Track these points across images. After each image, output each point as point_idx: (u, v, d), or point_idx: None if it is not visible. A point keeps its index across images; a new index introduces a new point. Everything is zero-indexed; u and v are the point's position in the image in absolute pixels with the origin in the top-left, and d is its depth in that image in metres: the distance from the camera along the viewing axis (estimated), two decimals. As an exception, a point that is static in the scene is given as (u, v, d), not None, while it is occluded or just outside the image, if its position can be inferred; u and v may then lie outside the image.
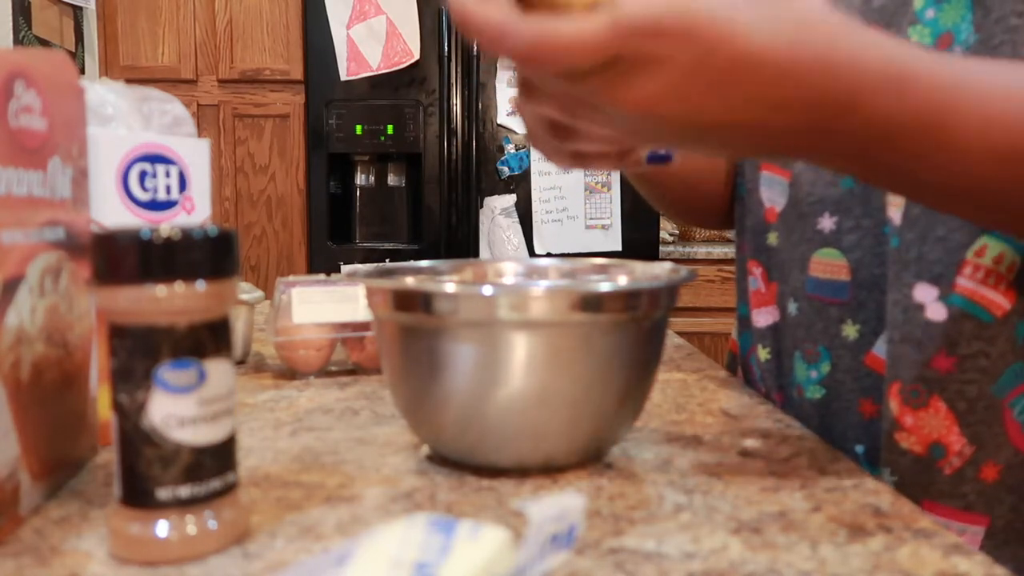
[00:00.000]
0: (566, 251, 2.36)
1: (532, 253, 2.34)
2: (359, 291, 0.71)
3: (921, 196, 0.46)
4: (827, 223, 0.61)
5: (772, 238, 0.68)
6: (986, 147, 0.40)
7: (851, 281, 0.60)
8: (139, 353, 0.36)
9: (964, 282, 0.53)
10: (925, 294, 0.54)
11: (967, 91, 0.41)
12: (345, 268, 0.72)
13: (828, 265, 0.61)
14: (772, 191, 0.68)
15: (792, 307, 0.65)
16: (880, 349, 0.59)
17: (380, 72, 2.33)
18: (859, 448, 0.60)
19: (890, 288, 0.56)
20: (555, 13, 0.37)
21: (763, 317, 0.69)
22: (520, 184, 2.38)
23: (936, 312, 0.54)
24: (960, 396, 0.53)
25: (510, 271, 0.62)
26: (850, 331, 0.60)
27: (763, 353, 0.69)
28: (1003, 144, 0.40)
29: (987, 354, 0.52)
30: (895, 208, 0.56)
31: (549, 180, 2.36)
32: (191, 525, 0.37)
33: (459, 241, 2.38)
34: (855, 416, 0.60)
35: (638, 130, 0.41)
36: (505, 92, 2.37)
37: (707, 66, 0.36)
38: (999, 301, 0.52)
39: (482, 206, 2.38)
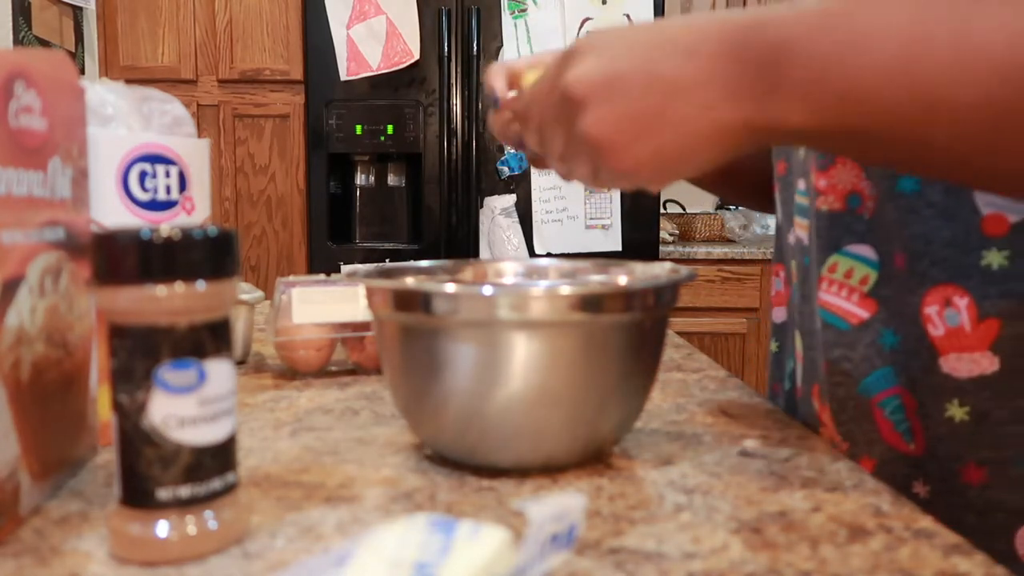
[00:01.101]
0: (566, 251, 2.36)
1: (532, 253, 2.34)
2: (359, 291, 0.71)
3: (868, 149, 0.44)
4: (791, 237, 0.68)
5: (792, 243, 0.72)
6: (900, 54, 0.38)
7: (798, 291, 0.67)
8: (139, 353, 0.36)
9: (823, 296, 0.58)
10: (815, 306, 0.60)
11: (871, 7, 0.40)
12: (345, 268, 0.72)
13: (793, 274, 0.68)
14: None
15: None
16: (793, 355, 0.65)
17: (380, 72, 2.33)
18: None
19: (805, 301, 0.62)
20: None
21: (778, 314, 0.74)
22: (520, 184, 2.38)
23: (817, 322, 0.59)
24: (834, 397, 0.58)
25: (510, 271, 0.62)
26: (797, 337, 0.67)
27: (773, 346, 0.75)
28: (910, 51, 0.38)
29: (849, 359, 0.57)
30: (801, 229, 0.63)
31: (549, 180, 2.36)
32: (191, 525, 0.37)
33: (459, 241, 2.38)
34: (809, 408, 0.64)
35: (598, 121, 0.44)
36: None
37: (623, 31, 0.44)
38: (854, 311, 0.56)
39: (482, 206, 2.38)
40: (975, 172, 0.42)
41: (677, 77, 0.41)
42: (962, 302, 0.51)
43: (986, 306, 0.50)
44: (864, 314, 0.56)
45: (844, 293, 0.57)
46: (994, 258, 0.50)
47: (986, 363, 0.51)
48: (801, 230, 0.62)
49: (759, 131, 0.42)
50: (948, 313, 0.51)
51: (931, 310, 0.52)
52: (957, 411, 0.52)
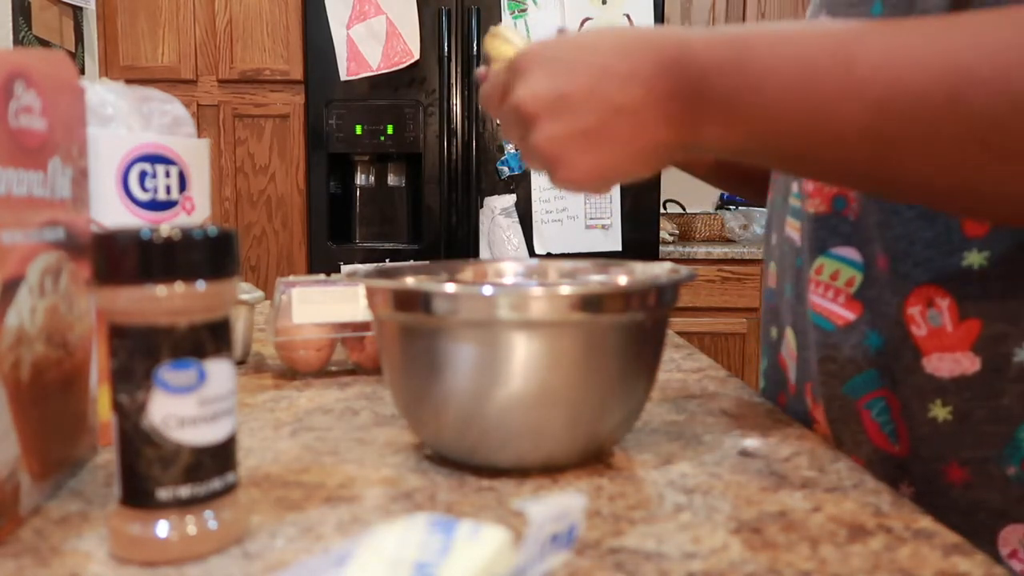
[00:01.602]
0: (566, 251, 2.36)
1: (532, 253, 2.34)
2: (359, 291, 0.71)
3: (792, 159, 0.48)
4: (773, 238, 0.69)
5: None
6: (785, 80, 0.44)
7: (775, 289, 0.68)
8: (139, 353, 0.36)
9: (812, 297, 0.59)
10: (808, 308, 0.60)
11: (777, 39, 0.45)
12: (345, 268, 0.73)
13: (770, 275, 0.70)
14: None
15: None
16: (785, 351, 0.66)
17: (380, 72, 2.33)
18: None
19: (799, 301, 0.62)
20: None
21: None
22: (520, 184, 2.38)
23: (808, 322, 0.60)
24: (822, 395, 0.59)
25: (510, 271, 0.62)
26: (774, 333, 0.68)
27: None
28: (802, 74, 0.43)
29: (834, 359, 0.58)
30: (792, 230, 0.63)
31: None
32: (191, 525, 0.37)
33: (459, 241, 2.38)
34: (802, 405, 0.64)
35: (547, 138, 0.48)
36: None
37: (565, 46, 0.48)
38: (839, 312, 0.57)
39: (482, 206, 2.38)
40: (880, 193, 0.51)
41: (618, 100, 0.46)
42: (944, 302, 0.51)
43: (967, 306, 0.51)
44: (850, 316, 0.57)
45: (831, 295, 0.58)
46: (975, 259, 0.50)
47: (967, 363, 0.51)
48: (794, 231, 0.63)
49: (689, 147, 0.47)
50: (931, 313, 0.52)
51: (914, 310, 0.53)
52: (940, 411, 0.52)
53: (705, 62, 0.45)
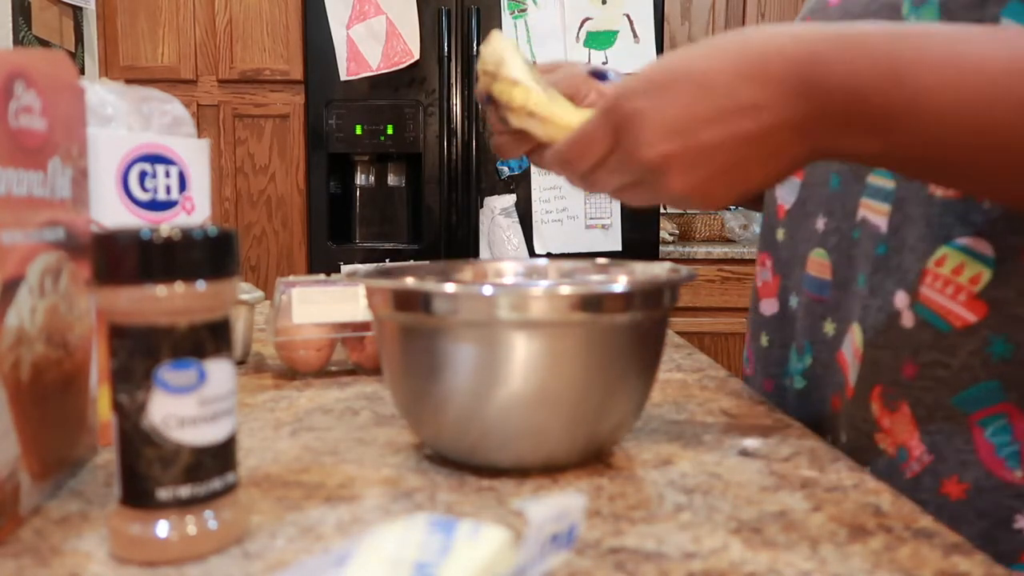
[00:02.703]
0: (566, 251, 2.36)
1: (532, 253, 2.34)
2: (359, 291, 0.71)
3: (929, 169, 0.46)
4: (820, 223, 0.64)
5: (780, 234, 0.71)
6: (958, 97, 0.41)
7: (831, 280, 0.62)
8: (139, 353, 0.36)
9: (926, 291, 0.53)
10: (902, 301, 0.55)
11: (926, 44, 0.42)
12: (345, 268, 0.73)
13: (819, 264, 0.64)
14: (784, 189, 0.70)
15: (793, 301, 0.68)
16: (845, 348, 0.60)
17: (380, 72, 2.33)
18: (829, 438, 0.62)
19: (875, 294, 0.57)
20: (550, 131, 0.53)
21: (768, 306, 0.71)
22: (520, 184, 2.38)
23: (907, 319, 0.54)
24: (920, 403, 0.53)
25: (510, 271, 0.62)
26: (829, 328, 0.62)
27: (764, 340, 0.72)
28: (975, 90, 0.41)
29: (945, 364, 0.52)
30: (874, 214, 0.58)
31: (549, 180, 2.36)
32: (191, 525, 0.37)
33: (459, 241, 2.38)
34: (828, 409, 0.62)
35: (683, 184, 0.46)
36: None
37: (674, 86, 0.45)
38: (958, 312, 0.51)
39: (482, 206, 2.38)
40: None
41: (751, 131, 0.44)
42: None
43: None
44: (971, 317, 0.51)
45: (950, 291, 0.52)
46: None
47: None
48: (876, 215, 0.57)
49: (824, 155, 0.45)
50: None
51: None
52: None
53: (846, 76, 0.42)
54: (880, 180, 0.58)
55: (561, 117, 0.53)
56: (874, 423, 0.56)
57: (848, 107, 0.43)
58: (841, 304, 0.61)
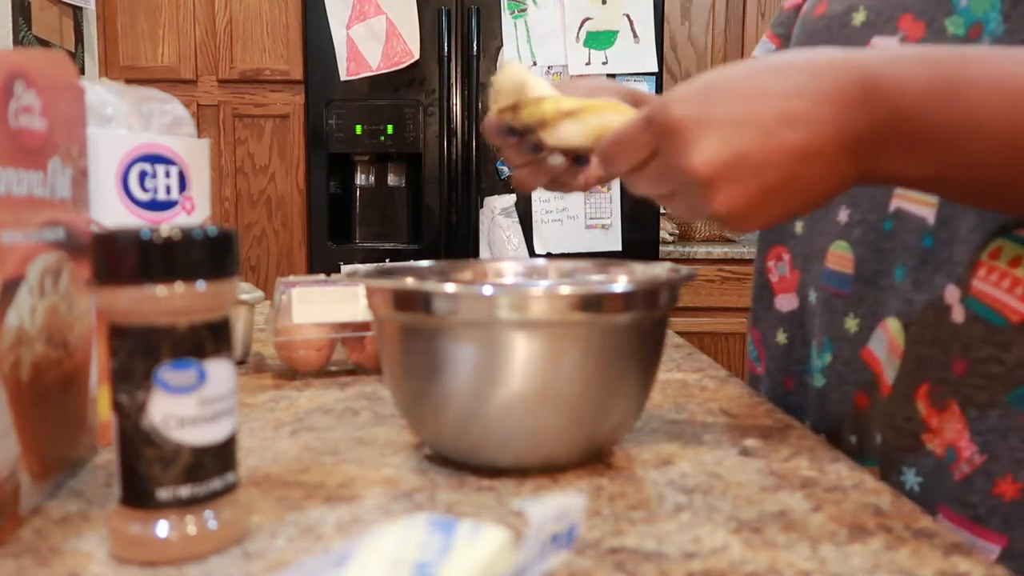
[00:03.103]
0: (566, 251, 2.36)
1: (532, 253, 2.34)
2: (359, 291, 0.71)
3: (974, 191, 0.46)
4: (843, 215, 0.63)
5: (799, 227, 0.70)
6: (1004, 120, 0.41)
7: (853, 274, 0.61)
8: (139, 353, 0.36)
9: (979, 284, 0.52)
10: (952, 295, 0.53)
11: (980, 66, 0.42)
12: (345, 268, 0.73)
13: (839, 257, 0.63)
14: None
15: (812, 296, 0.67)
16: (875, 345, 0.59)
17: (380, 72, 2.33)
18: (853, 438, 0.61)
19: (920, 288, 0.56)
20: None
21: (786, 302, 0.70)
22: (520, 184, 2.38)
23: (957, 314, 0.53)
24: (971, 402, 0.52)
25: (510, 271, 0.62)
26: (851, 324, 0.61)
27: (781, 337, 0.71)
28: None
29: (1000, 360, 0.51)
30: (916, 205, 0.57)
31: (549, 180, 2.36)
32: (191, 525, 0.37)
33: (459, 241, 2.37)
34: (850, 407, 0.61)
35: (726, 201, 0.44)
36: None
37: (722, 97, 0.43)
38: (1014, 306, 0.50)
39: (482, 206, 2.38)
40: None
41: (800, 148, 0.42)
42: None
43: None
44: None
45: (1007, 284, 0.50)
46: None
47: None
48: (922, 206, 0.56)
49: (871, 178, 0.45)
50: None
51: None
52: None
53: (898, 92, 0.42)
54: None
55: (600, 106, 0.52)
56: (921, 422, 0.55)
57: (898, 125, 0.42)
58: (865, 298, 0.60)
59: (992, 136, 0.41)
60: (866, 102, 0.42)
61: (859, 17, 0.63)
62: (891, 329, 0.57)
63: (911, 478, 0.56)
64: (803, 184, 0.43)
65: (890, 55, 0.43)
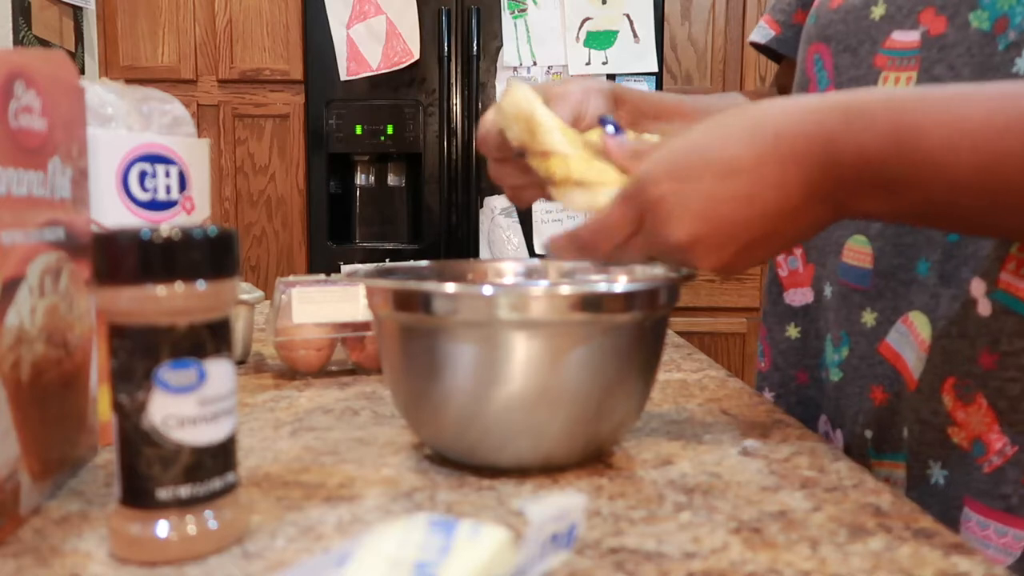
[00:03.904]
0: (566, 251, 2.35)
1: (532, 253, 2.34)
2: (359, 291, 0.71)
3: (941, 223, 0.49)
4: None
5: None
6: (959, 159, 0.43)
7: (872, 269, 0.61)
8: (139, 353, 0.36)
9: (1007, 277, 0.52)
10: (977, 289, 0.54)
11: (931, 110, 0.44)
12: (345, 268, 0.73)
13: (857, 252, 0.63)
14: None
15: (828, 290, 0.66)
16: (894, 339, 0.59)
17: (380, 72, 2.33)
18: (868, 433, 0.61)
19: (947, 282, 0.56)
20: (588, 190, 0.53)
21: (798, 296, 0.70)
22: (520, 184, 2.38)
23: (984, 307, 0.53)
24: (1000, 394, 0.52)
25: (510, 271, 0.62)
26: (868, 318, 0.61)
27: (793, 331, 0.71)
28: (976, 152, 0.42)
29: None
30: None
31: (549, 180, 2.36)
32: (191, 525, 0.37)
33: (459, 241, 2.38)
34: (867, 402, 0.61)
35: (711, 262, 0.48)
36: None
37: (696, 171, 0.46)
38: None
39: (482, 206, 2.38)
40: None
41: (775, 209, 0.46)
42: None
43: None
44: None
45: None
46: None
47: None
48: None
49: (847, 215, 0.48)
50: None
51: None
52: None
53: (855, 151, 0.44)
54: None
55: (611, 181, 0.53)
56: (947, 416, 0.55)
57: (860, 176, 0.45)
58: (884, 293, 0.60)
59: (943, 177, 0.43)
60: (829, 160, 0.45)
61: (878, 11, 0.62)
62: (915, 323, 0.58)
63: (936, 472, 0.56)
64: (782, 236, 0.47)
65: (844, 107, 0.45)
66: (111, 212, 0.53)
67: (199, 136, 0.66)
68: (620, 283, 0.49)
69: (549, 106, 0.58)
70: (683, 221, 0.46)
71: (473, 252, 2.36)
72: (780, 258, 0.72)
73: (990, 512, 0.53)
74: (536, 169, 0.55)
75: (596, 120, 0.60)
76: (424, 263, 0.60)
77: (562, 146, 0.54)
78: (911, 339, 0.58)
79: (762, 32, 0.80)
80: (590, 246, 0.51)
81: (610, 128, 0.59)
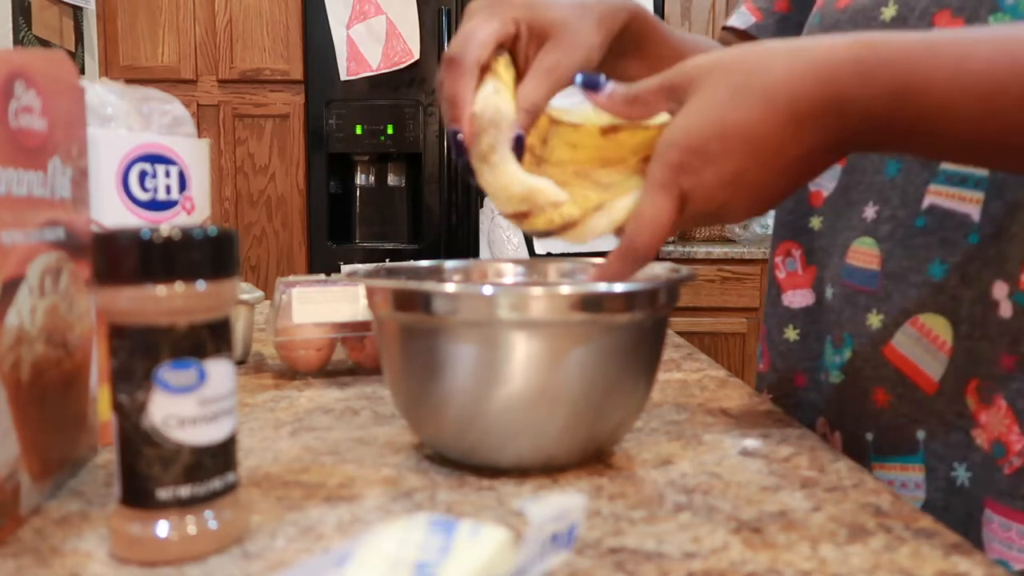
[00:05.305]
0: (566, 251, 2.36)
1: (532, 253, 2.34)
2: (359, 291, 0.71)
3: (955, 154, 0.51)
4: (870, 212, 0.62)
5: (815, 222, 0.68)
6: (965, 94, 0.45)
7: (881, 271, 0.60)
8: (139, 353, 0.36)
9: None
10: (1000, 291, 0.53)
11: (941, 64, 0.45)
12: (345, 268, 0.73)
13: (863, 254, 0.62)
14: (823, 176, 0.67)
15: (829, 292, 0.66)
16: (901, 341, 0.59)
17: (380, 72, 2.33)
18: (868, 436, 0.61)
19: (968, 284, 0.56)
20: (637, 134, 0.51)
21: (797, 298, 0.69)
22: (520, 184, 2.38)
23: (1005, 309, 0.53)
24: (1020, 395, 0.52)
25: (510, 271, 0.62)
26: (874, 320, 0.61)
27: (791, 333, 0.70)
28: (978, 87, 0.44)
29: None
30: (956, 201, 0.57)
31: (549, 180, 2.36)
32: (191, 525, 0.37)
33: (459, 241, 2.38)
34: (869, 404, 0.61)
35: (738, 217, 0.50)
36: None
37: (721, 147, 0.47)
38: None
39: (482, 206, 2.38)
40: None
41: (796, 156, 0.47)
42: None
43: None
44: None
45: None
46: None
47: None
48: (959, 202, 0.56)
49: (856, 150, 0.50)
50: None
51: None
52: None
53: (863, 106, 0.46)
54: (963, 167, 0.57)
55: (621, 185, 0.51)
56: (970, 418, 0.55)
57: (869, 126, 0.47)
58: (893, 295, 0.60)
59: (946, 127, 0.45)
60: (840, 116, 0.46)
61: (888, 12, 0.61)
62: (932, 326, 0.57)
63: (962, 473, 0.56)
64: (796, 179, 0.49)
65: (868, 64, 0.46)
66: (111, 212, 0.53)
67: (199, 136, 0.66)
68: (620, 283, 0.49)
69: (538, 57, 0.54)
70: (716, 196, 0.48)
71: (473, 252, 2.36)
72: (778, 260, 0.72)
73: (1012, 513, 0.53)
74: (550, 228, 0.50)
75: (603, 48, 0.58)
76: (424, 263, 0.60)
77: (556, 195, 0.49)
78: (925, 341, 0.58)
79: (742, 18, 0.78)
80: (646, 249, 0.48)
81: (590, 85, 0.53)
